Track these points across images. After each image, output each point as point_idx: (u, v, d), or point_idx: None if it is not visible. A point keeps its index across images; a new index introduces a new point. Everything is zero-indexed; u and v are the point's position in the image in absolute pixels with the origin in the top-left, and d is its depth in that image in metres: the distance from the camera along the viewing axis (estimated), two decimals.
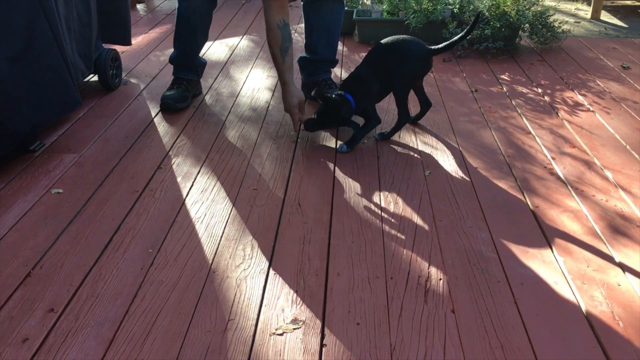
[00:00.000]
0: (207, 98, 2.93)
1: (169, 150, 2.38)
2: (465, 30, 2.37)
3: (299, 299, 1.56)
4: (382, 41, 2.40)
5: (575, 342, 1.43)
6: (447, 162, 2.28)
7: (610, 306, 1.54)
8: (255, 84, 3.11)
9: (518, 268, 1.68)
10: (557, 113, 2.74)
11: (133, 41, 3.51)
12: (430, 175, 2.19)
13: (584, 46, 3.76)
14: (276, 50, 2.39)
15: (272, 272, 1.67)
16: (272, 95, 2.96)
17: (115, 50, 3.00)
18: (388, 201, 2.01)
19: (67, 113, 2.55)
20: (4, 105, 2.11)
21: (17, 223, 1.89)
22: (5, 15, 2.08)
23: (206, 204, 2.01)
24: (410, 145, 2.42)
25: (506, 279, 1.64)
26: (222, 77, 3.21)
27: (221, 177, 2.18)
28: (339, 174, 2.19)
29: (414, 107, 2.59)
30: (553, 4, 4.76)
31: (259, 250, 1.76)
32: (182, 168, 2.24)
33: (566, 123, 2.63)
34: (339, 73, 3.24)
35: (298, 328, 1.47)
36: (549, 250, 1.76)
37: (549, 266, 1.69)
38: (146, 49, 3.70)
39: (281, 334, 1.45)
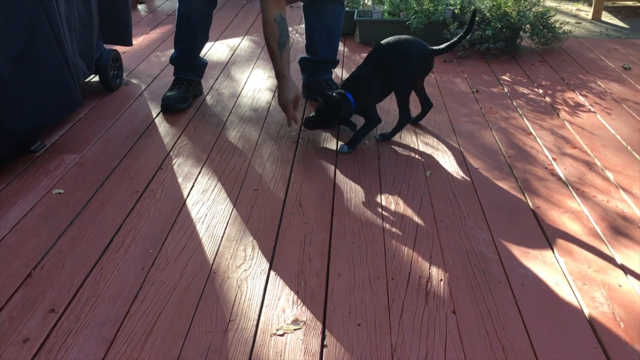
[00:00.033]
0: (208, 98, 2.93)
1: (170, 151, 2.38)
2: (464, 30, 2.38)
3: (299, 299, 1.56)
4: (384, 41, 2.40)
5: (576, 343, 1.42)
6: (448, 162, 2.28)
7: (612, 307, 1.53)
8: (256, 85, 3.11)
9: (519, 269, 1.68)
10: (558, 114, 2.74)
11: (134, 41, 3.51)
12: (431, 175, 2.18)
13: (585, 47, 3.76)
14: (274, 45, 2.38)
15: (272, 272, 1.67)
16: (273, 95, 2.96)
17: (116, 50, 3.00)
18: (389, 202, 2.01)
19: (68, 113, 2.55)
20: (5, 106, 2.11)
21: (18, 223, 1.89)
22: (6, 16, 2.08)
23: (207, 204, 2.01)
24: (411, 145, 2.42)
25: (507, 280, 1.64)
26: (223, 78, 3.21)
27: (222, 178, 2.18)
28: (340, 175, 2.19)
29: (415, 108, 2.59)
30: (554, 4, 4.76)
31: (260, 251, 1.76)
32: (183, 168, 2.24)
33: (567, 124, 2.63)
34: (340, 74, 3.24)
35: (299, 329, 1.47)
36: (550, 251, 1.76)
37: (549, 267, 1.69)
38: (147, 49, 3.70)
39: (282, 335, 1.45)
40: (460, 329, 1.46)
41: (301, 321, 1.49)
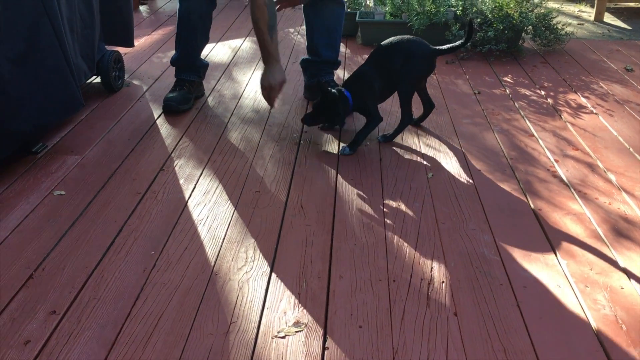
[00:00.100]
0: (210, 100, 2.93)
1: (172, 152, 2.38)
2: (464, 38, 2.37)
3: (301, 301, 1.56)
4: (386, 41, 2.40)
5: (578, 345, 1.42)
6: (450, 164, 2.28)
7: (614, 309, 1.53)
8: (258, 86, 3.10)
9: (521, 271, 1.68)
10: (560, 115, 2.73)
11: (136, 43, 3.51)
12: (432, 177, 2.18)
13: (587, 48, 3.75)
14: (264, 27, 2.36)
15: (274, 274, 1.67)
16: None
17: (118, 51, 3.01)
18: (390, 203, 2.01)
19: (69, 115, 2.56)
20: (7, 107, 2.12)
21: (20, 225, 1.90)
22: (8, 16, 2.08)
23: (208, 206, 2.01)
24: (413, 147, 2.42)
25: (509, 282, 1.63)
26: (224, 79, 3.21)
27: (223, 179, 2.17)
28: (342, 176, 2.19)
29: (416, 109, 2.58)
30: (556, 6, 4.75)
31: (261, 253, 1.76)
32: (185, 170, 2.24)
33: (569, 125, 2.62)
34: (342, 75, 3.24)
35: (300, 331, 1.46)
36: (552, 253, 1.76)
37: (551, 269, 1.69)
38: (149, 50, 3.70)
39: (283, 337, 1.44)
40: (461, 331, 1.46)
41: (302, 323, 1.49)
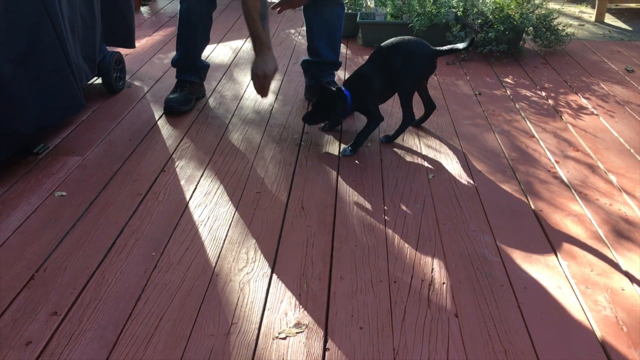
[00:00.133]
0: (211, 101, 2.93)
1: (173, 153, 2.38)
2: (466, 43, 2.36)
3: (302, 302, 1.56)
4: (387, 41, 2.41)
5: (578, 347, 1.42)
6: (451, 165, 2.28)
7: (614, 311, 1.53)
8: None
9: (521, 272, 1.68)
10: (560, 116, 2.74)
11: (137, 44, 3.51)
12: (433, 178, 2.18)
13: (588, 49, 3.75)
14: (255, 16, 2.35)
15: (275, 275, 1.67)
16: (276, 98, 2.96)
17: (119, 52, 3.01)
18: (391, 204, 2.01)
19: (70, 116, 2.56)
20: (8, 108, 2.12)
21: (21, 226, 1.90)
22: (9, 17, 2.08)
23: (209, 207, 2.01)
24: (414, 148, 2.42)
25: (509, 283, 1.63)
26: (225, 80, 3.22)
27: (224, 180, 2.18)
28: (343, 177, 2.19)
29: (417, 110, 2.58)
30: (557, 7, 4.75)
31: (262, 254, 1.76)
32: (186, 171, 2.24)
33: (570, 126, 2.63)
34: (343, 76, 3.24)
35: (301, 332, 1.47)
36: (553, 254, 1.76)
37: (552, 270, 1.69)
38: (150, 51, 3.71)
39: (284, 338, 1.45)
40: (462, 333, 1.46)
41: (303, 324, 1.49)
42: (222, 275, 1.67)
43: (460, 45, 2.38)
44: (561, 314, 1.52)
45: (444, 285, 1.63)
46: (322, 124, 2.59)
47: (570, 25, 4.18)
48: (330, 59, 2.84)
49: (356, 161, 2.31)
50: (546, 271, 1.68)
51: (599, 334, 1.46)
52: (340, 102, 2.33)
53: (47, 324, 1.49)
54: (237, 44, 3.89)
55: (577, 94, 3.00)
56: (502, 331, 1.46)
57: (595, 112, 2.78)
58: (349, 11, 3.94)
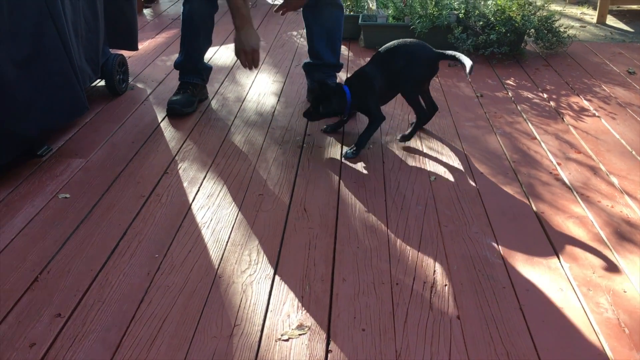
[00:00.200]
0: (213, 103, 2.94)
1: (175, 155, 2.39)
2: (467, 71, 2.28)
3: (304, 304, 1.57)
4: (390, 43, 2.41)
5: (580, 349, 1.42)
6: (453, 167, 2.29)
7: (616, 313, 1.53)
8: (261, 89, 3.12)
9: (523, 274, 1.68)
10: (562, 118, 2.74)
11: (140, 46, 3.53)
12: (435, 180, 2.19)
13: (589, 51, 3.76)
14: None
15: (277, 277, 1.68)
16: (278, 100, 2.97)
17: (122, 55, 3.02)
18: (393, 206, 2.02)
19: (74, 118, 2.57)
20: (12, 110, 2.13)
21: (25, 228, 1.91)
22: (13, 20, 2.09)
23: (212, 209, 2.02)
24: (416, 150, 2.42)
25: (512, 285, 1.64)
26: (228, 82, 3.23)
27: (227, 182, 2.18)
28: (345, 179, 2.20)
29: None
30: (559, 8, 4.75)
31: (265, 256, 1.77)
32: (189, 173, 2.25)
33: (572, 128, 2.63)
34: (345, 78, 3.24)
35: (304, 334, 1.47)
36: (555, 256, 1.76)
37: (554, 272, 1.69)
38: (153, 53, 3.72)
39: (287, 340, 1.45)
40: (464, 335, 1.47)
41: (306, 326, 1.49)
42: (225, 277, 1.67)
43: (464, 58, 2.33)
44: (563, 316, 1.52)
45: (446, 287, 1.63)
46: (325, 126, 2.59)
47: (572, 27, 4.18)
48: (331, 61, 2.85)
49: (358, 163, 2.32)
50: (548, 273, 1.69)
51: (601, 336, 1.46)
52: (338, 97, 2.34)
53: (51, 326, 1.50)
54: None
55: (578, 96, 3.00)
56: (504, 333, 1.47)
57: (596, 114, 2.78)
58: (351, 13, 3.95)
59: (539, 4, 3.64)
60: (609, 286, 1.63)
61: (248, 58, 2.45)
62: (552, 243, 1.82)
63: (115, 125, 2.67)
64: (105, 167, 2.30)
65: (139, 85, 3.18)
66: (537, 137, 2.55)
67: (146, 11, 4.89)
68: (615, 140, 2.51)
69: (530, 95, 3.02)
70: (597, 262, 1.73)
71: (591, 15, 4.72)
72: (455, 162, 2.32)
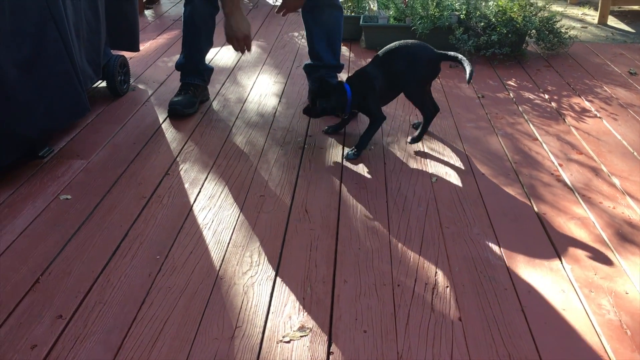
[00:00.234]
0: (215, 104, 2.94)
1: (177, 156, 2.39)
2: (467, 77, 2.30)
3: (305, 306, 1.57)
4: (392, 44, 2.41)
5: (582, 350, 1.42)
6: (454, 168, 2.28)
7: (618, 314, 1.53)
8: (263, 90, 3.12)
9: (525, 276, 1.68)
10: (564, 119, 2.74)
11: (141, 47, 3.53)
12: (436, 181, 2.19)
13: (590, 52, 3.75)
14: None
15: (279, 279, 1.67)
16: (279, 101, 2.97)
17: (123, 56, 3.02)
18: (395, 208, 2.02)
19: (75, 119, 2.57)
20: (13, 111, 2.13)
21: (26, 229, 1.91)
22: (14, 22, 2.10)
23: (213, 210, 2.02)
24: (417, 151, 2.42)
25: (513, 287, 1.63)
26: (229, 83, 3.23)
27: (228, 184, 2.18)
28: (346, 181, 2.20)
29: (420, 112, 2.58)
30: (560, 9, 4.76)
31: (266, 257, 1.77)
32: (190, 174, 2.25)
33: (573, 129, 2.63)
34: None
35: (305, 335, 1.47)
36: (556, 257, 1.76)
37: (556, 274, 1.69)
38: (154, 55, 3.72)
39: (288, 342, 1.45)
40: (466, 336, 1.46)
41: (307, 328, 1.49)
42: (226, 279, 1.67)
43: (465, 63, 2.33)
44: (565, 318, 1.52)
45: (448, 288, 1.63)
46: (326, 127, 2.59)
47: (573, 27, 4.18)
48: (331, 62, 2.85)
49: (360, 164, 2.32)
50: (550, 274, 1.68)
51: (602, 337, 1.46)
52: (338, 93, 2.35)
53: (52, 328, 1.50)
54: None
55: (580, 97, 3.00)
56: (505, 335, 1.47)
57: (598, 114, 2.78)
58: (352, 14, 3.95)
59: (540, 4, 3.64)
60: (610, 287, 1.63)
61: (240, 44, 2.51)
62: (554, 244, 1.82)
63: (117, 126, 2.67)
64: (107, 168, 2.30)
65: (140, 86, 3.18)
66: (539, 138, 2.54)
67: (147, 12, 4.89)
68: (616, 141, 2.51)
69: (531, 96, 3.02)
70: (599, 263, 1.73)
71: (592, 16, 4.72)
72: (457, 163, 2.32)
